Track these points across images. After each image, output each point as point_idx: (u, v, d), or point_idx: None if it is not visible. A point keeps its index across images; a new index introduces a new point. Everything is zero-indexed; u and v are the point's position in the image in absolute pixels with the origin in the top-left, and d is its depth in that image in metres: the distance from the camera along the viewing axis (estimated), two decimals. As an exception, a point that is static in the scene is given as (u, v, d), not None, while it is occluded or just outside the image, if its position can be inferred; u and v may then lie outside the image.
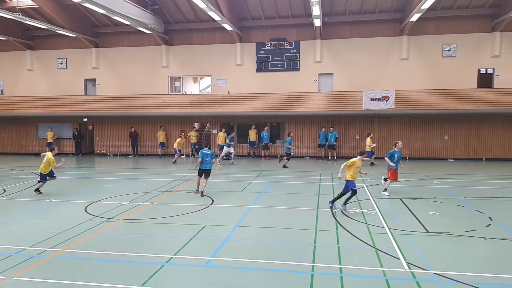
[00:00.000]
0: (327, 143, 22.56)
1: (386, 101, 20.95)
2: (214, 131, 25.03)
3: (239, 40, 24.12)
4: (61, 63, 26.61)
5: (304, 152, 23.95)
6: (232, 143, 21.16)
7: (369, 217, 10.08)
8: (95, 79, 26.27)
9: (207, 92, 26.76)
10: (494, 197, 12.57)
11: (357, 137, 23.26)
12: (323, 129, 22.67)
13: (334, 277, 6.45)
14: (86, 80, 26.49)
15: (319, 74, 23.57)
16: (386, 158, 12.76)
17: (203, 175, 12.78)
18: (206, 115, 24.29)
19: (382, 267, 6.87)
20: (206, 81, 27.26)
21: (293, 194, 13.40)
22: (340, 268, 6.83)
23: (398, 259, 7.21)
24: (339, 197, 10.75)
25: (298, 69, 23.72)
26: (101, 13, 20.40)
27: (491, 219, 9.87)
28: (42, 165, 12.95)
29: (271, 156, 23.73)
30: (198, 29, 24.80)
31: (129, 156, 25.58)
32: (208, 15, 20.30)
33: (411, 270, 6.69)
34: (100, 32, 25.86)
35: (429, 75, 22.23)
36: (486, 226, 9.33)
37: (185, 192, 13.53)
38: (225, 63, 24.63)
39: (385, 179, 13.12)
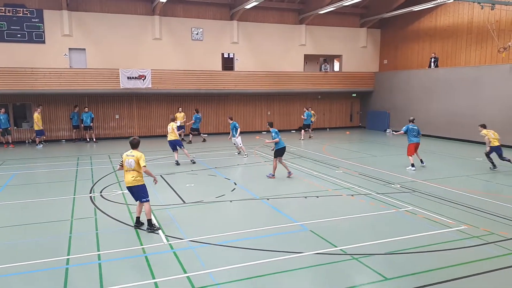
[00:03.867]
0: (82, 124, 21.10)
1: (143, 80, 21.09)
2: None
3: (-43, 1, 19.17)
4: None
5: (59, 135, 21.62)
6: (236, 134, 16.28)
7: (129, 197, 10.07)
8: None
9: None
10: (238, 164, 14.72)
11: (117, 116, 22.62)
12: (76, 108, 21.05)
13: (91, 266, 6.20)
14: None
15: (70, 49, 21.42)
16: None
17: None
18: None
19: (142, 245, 7.06)
20: None
21: (46, 184, 12.05)
22: (99, 254, 6.62)
23: (158, 234, 7.56)
24: None
25: (44, 42, 20.83)
26: None
27: (235, 184, 11.55)
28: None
29: (17, 142, 20.34)
30: None
31: None
32: None
33: (169, 242, 7.14)
34: None
35: (182, 56, 23.44)
36: (232, 191, 10.87)
37: None
38: None
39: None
